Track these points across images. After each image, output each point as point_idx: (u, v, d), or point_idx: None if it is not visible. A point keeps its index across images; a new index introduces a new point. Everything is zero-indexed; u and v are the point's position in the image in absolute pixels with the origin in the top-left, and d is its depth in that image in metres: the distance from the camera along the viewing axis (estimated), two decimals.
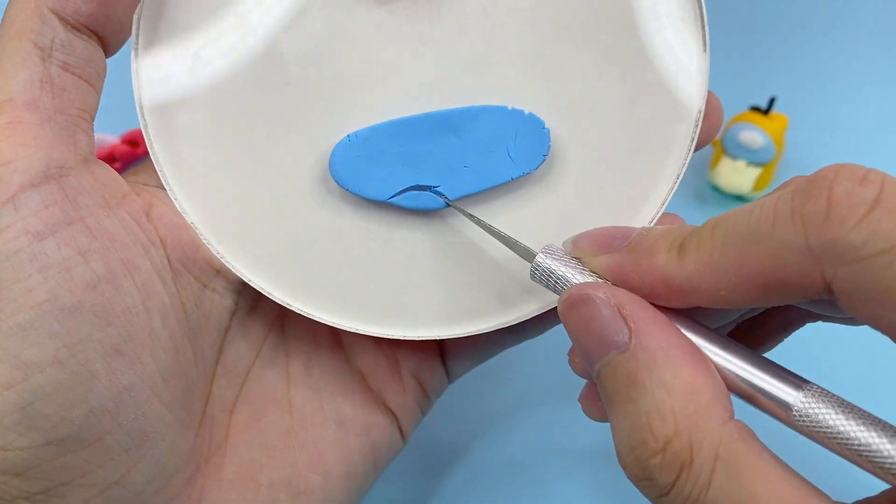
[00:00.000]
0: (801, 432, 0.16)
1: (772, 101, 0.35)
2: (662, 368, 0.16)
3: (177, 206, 0.21)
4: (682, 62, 0.22)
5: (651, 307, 0.17)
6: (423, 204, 0.22)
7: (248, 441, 0.23)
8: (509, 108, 0.22)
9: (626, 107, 0.22)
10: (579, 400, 0.20)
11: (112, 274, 0.19)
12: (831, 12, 0.41)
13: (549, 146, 0.22)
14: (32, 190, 0.18)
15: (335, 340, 0.25)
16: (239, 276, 0.22)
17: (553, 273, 0.19)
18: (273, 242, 0.22)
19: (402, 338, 0.22)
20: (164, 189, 0.22)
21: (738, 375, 0.17)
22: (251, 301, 0.24)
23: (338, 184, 0.22)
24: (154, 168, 0.22)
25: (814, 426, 0.16)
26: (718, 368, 0.17)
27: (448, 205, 0.22)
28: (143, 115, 0.21)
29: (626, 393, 0.16)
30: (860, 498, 0.16)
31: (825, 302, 0.16)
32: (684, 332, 0.17)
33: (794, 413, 0.16)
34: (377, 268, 0.22)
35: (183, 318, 0.21)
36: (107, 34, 0.20)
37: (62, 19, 0.19)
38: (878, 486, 0.16)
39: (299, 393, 0.24)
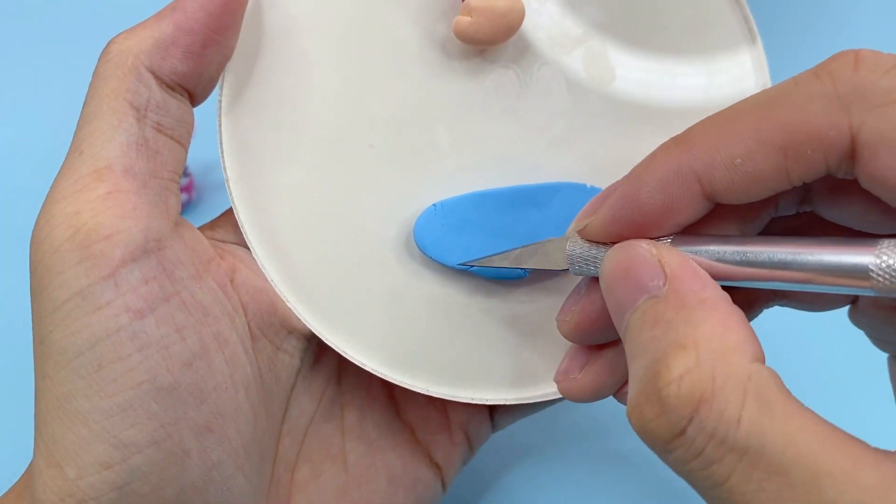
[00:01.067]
0: (887, 291, 0.14)
1: None
2: (691, 309, 0.15)
3: (260, 267, 0.21)
4: None
5: (689, 258, 0.16)
6: (501, 273, 0.22)
7: (308, 500, 0.23)
8: (588, 186, 0.22)
9: None
10: (560, 326, 0.20)
11: (205, 350, 0.18)
12: (832, 11, 0.42)
13: None
14: (133, 265, 0.17)
15: (387, 393, 0.25)
16: (321, 337, 0.22)
17: (583, 255, 0.19)
18: (353, 303, 0.22)
19: (470, 401, 0.23)
20: (244, 246, 0.21)
21: (800, 260, 0.15)
22: (313, 357, 0.23)
23: (421, 250, 0.22)
24: (231, 223, 0.21)
25: None
26: (776, 262, 0.15)
27: (527, 275, 0.22)
28: (226, 173, 0.21)
29: (650, 333, 0.15)
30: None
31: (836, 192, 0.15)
32: (725, 246, 0.16)
33: (875, 273, 0.14)
34: (452, 332, 0.23)
35: (260, 386, 0.21)
36: (197, 90, 0.20)
37: (158, 78, 0.19)
38: None
39: (354, 448, 0.24)
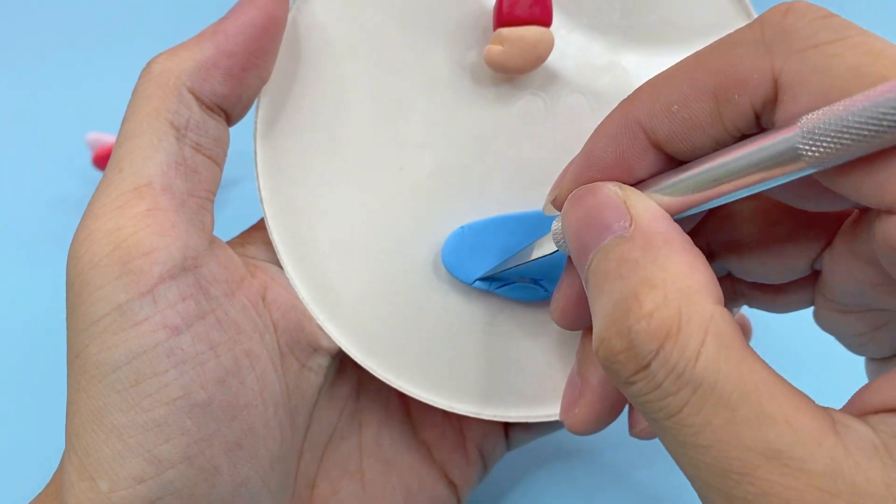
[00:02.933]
0: (824, 163, 0.14)
1: None
2: (658, 250, 0.15)
3: (292, 285, 0.22)
4: None
5: (654, 203, 0.16)
6: (525, 295, 0.23)
7: None
8: None
9: None
10: (551, 311, 0.20)
11: (238, 367, 0.19)
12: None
13: None
14: (171, 282, 0.18)
15: (404, 411, 0.25)
16: (351, 356, 0.22)
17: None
18: (381, 322, 0.22)
19: (492, 418, 0.23)
20: (274, 263, 0.22)
21: (733, 166, 0.15)
22: (335, 374, 0.24)
23: (448, 271, 0.22)
24: (262, 239, 0.22)
25: (830, 146, 0.13)
26: (717, 175, 0.15)
27: (549, 296, 0.23)
28: (261, 193, 0.21)
29: (616, 271, 0.15)
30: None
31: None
32: (659, 182, 0.16)
33: (802, 147, 0.14)
34: (477, 351, 0.23)
35: (287, 403, 0.21)
36: (234, 112, 0.20)
37: (198, 99, 0.19)
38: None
39: (371, 465, 0.24)
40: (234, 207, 0.36)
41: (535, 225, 0.23)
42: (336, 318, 0.22)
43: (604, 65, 0.23)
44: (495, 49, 0.21)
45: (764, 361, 0.14)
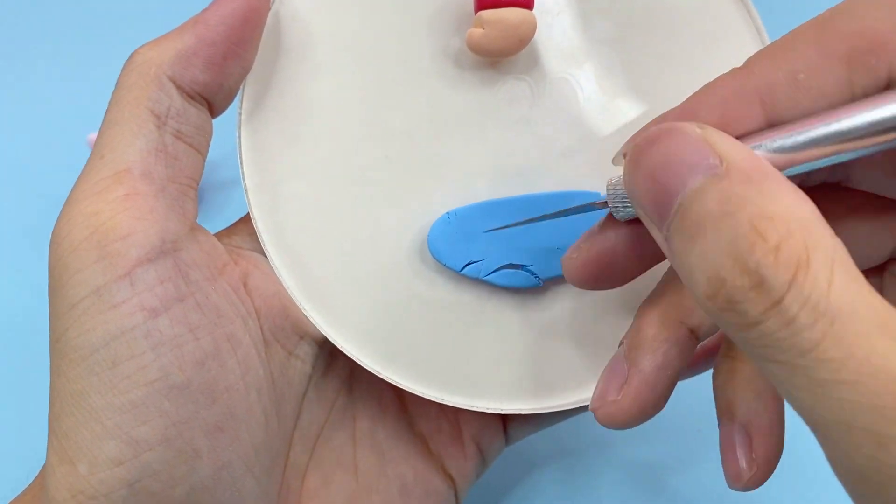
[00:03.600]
0: None
1: None
2: (761, 183, 0.13)
3: (276, 273, 0.22)
4: None
5: (739, 142, 0.15)
6: (516, 282, 0.22)
7: None
8: (602, 194, 0.22)
9: None
10: (565, 265, 0.19)
11: (218, 350, 0.19)
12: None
13: None
14: (148, 265, 0.18)
15: (399, 403, 0.25)
16: (338, 346, 0.22)
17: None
18: (368, 311, 0.22)
19: (484, 410, 0.23)
20: (259, 253, 0.22)
21: (847, 127, 0.14)
22: (325, 364, 0.24)
23: (435, 259, 0.22)
24: (247, 230, 0.22)
25: None
26: (829, 135, 0.14)
27: (541, 284, 0.22)
28: (245, 182, 0.22)
29: (721, 210, 0.13)
30: None
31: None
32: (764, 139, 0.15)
33: None
34: (467, 341, 0.23)
35: (272, 390, 0.21)
36: (216, 101, 0.20)
37: (179, 87, 0.19)
38: None
39: (365, 456, 0.24)
40: (234, 208, 0.36)
41: (522, 210, 0.22)
42: (323, 308, 0.22)
43: (588, 47, 0.23)
44: (477, 32, 0.21)
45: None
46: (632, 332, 0.19)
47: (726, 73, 0.16)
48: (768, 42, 0.23)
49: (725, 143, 0.14)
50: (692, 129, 0.15)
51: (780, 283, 0.13)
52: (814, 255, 0.13)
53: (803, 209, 0.13)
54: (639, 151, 0.15)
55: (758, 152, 0.15)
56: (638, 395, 0.18)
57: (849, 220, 0.18)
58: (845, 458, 0.12)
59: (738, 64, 0.23)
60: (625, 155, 0.16)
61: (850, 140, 0.14)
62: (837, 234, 0.16)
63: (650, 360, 0.18)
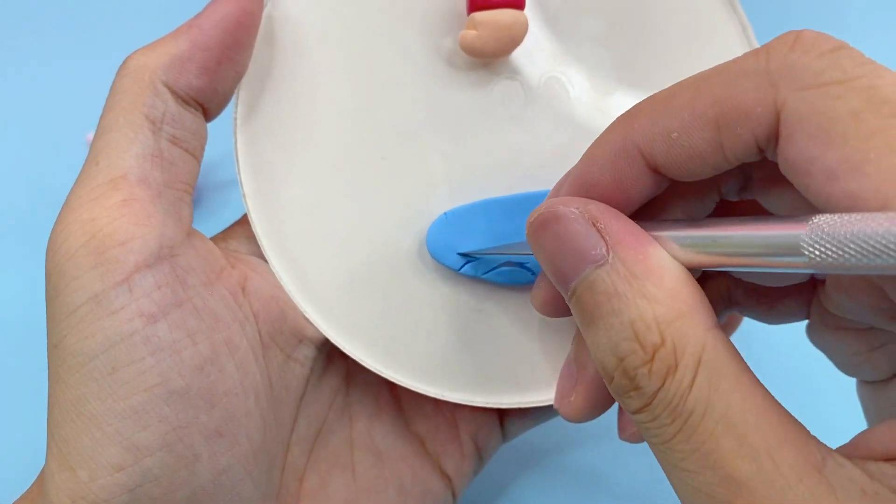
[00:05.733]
0: (822, 268, 0.14)
1: None
2: (642, 279, 0.15)
3: (277, 276, 0.22)
4: None
5: (624, 217, 0.16)
6: (513, 279, 0.22)
7: None
8: None
9: None
10: (532, 301, 0.20)
11: (216, 355, 0.19)
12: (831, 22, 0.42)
13: None
14: (146, 271, 0.18)
15: (396, 404, 0.25)
16: (339, 347, 0.22)
17: None
18: (368, 311, 0.22)
19: (484, 405, 0.23)
20: (256, 256, 0.22)
21: (735, 244, 0.15)
22: (322, 367, 0.24)
23: (434, 258, 0.22)
24: (244, 233, 0.22)
25: (833, 257, 0.13)
26: (711, 244, 0.15)
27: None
28: (242, 188, 0.22)
29: (608, 306, 0.15)
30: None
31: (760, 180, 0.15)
32: (662, 231, 0.16)
33: (808, 250, 0.13)
34: (465, 338, 0.23)
35: (270, 393, 0.21)
36: (211, 105, 0.20)
37: (174, 92, 0.19)
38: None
39: (362, 458, 0.24)
40: (231, 209, 0.36)
41: (517, 208, 0.22)
42: (323, 309, 0.22)
43: (579, 46, 0.23)
44: (470, 34, 0.21)
45: (759, 385, 0.14)
46: (575, 337, 0.20)
47: (612, 126, 0.17)
48: (754, 39, 0.23)
49: (611, 226, 0.16)
50: (578, 215, 0.16)
51: (651, 391, 0.14)
52: (681, 360, 0.14)
53: (681, 304, 0.15)
54: (534, 231, 0.17)
55: (664, 239, 0.16)
56: (587, 396, 0.19)
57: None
58: None
59: (725, 59, 0.23)
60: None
61: (753, 256, 0.15)
62: None
63: (592, 364, 0.19)
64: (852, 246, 0.13)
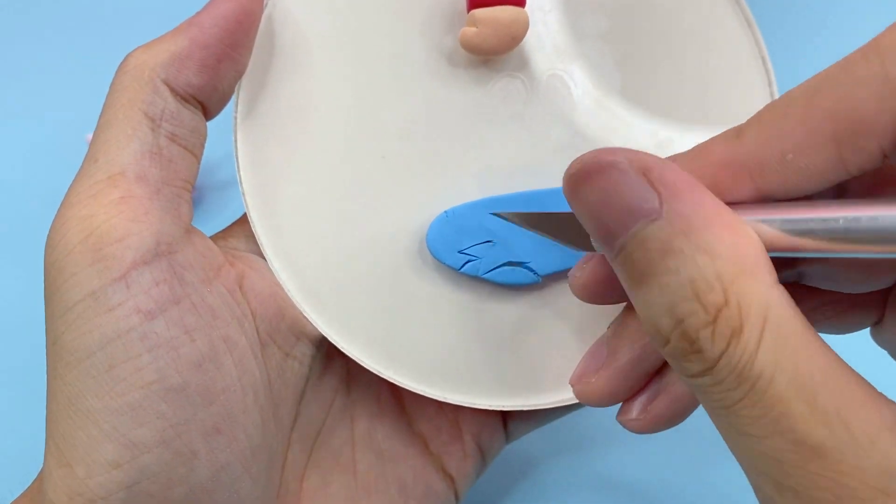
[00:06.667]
0: None
1: None
2: (700, 233, 0.14)
3: (276, 275, 0.22)
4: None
5: (678, 169, 0.15)
6: (515, 279, 0.22)
7: None
8: None
9: None
10: (571, 284, 0.19)
11: (214, 352, 0.19)
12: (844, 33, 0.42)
13: None
14: (144, 267, 0.18)
15: (398, 404, 0.25)
16: (339, 347, 0.22)
17: None
18: (368, 311, 0.22)
19: (487, 407, 0.23)
20: (255, 255, 0.22)
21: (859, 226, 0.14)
22: (322, 366, 0.24)
23: (434, 257, 0.22)
24: (243, 232, 0.22)
25: None
26: (802, 228, 0.14)
27: (540, 280, 0.22)
28: (242, 186, 0.22)
29: (663, 263, 0.14)
30: None
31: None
32: (755, 214, 0.15)
33: None
34: (467, 339, 0.23)
35: (269, 391, 0.21)
36: (211, 103, 0.20)
37: (173, 90, 0.19)
38: None
39: (363, 457, 0.24)
40: (233, 209, 0.36)
41: (519, 206, 0.22)
42: (322, 308, 0.22)
43: (581, 43, 0.23)
44: (470, 31, 0.21)
45: (825, 345, 0.14)
46: (617, 320, 0.19)
47: (718, 138, 0.16)
48: (759, 35, 0.23)
49: (665, 177, 0.14)
50: (627, 165, 0.15)
51: (715, 354, 0.14)
52: (747, 321, 0.13)
53: (743, 260, 0.14)
54: (574, 184, 0.15)
55: (768, 227, 0.15)
56: (610, 382, 0.19)
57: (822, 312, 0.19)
58: (755, 490, 0.14)
59: (729, 59, 0.23)
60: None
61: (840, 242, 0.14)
62: (831, 265, 0.17)
63: (627, 352, 0.18)
64: None
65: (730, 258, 0.14)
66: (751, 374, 0.13)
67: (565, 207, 0.22)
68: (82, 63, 0.41)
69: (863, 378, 0.13)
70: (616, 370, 0.19)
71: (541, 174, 0.23)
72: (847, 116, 0.14)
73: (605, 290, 0.18)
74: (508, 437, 0.26)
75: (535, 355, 0.23)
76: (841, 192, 0.17)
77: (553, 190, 0.22)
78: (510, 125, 0.22)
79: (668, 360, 0.15)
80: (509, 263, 0.22)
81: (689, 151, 0.16)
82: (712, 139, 0.16)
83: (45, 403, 0.18)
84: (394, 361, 0.22)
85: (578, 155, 0.22)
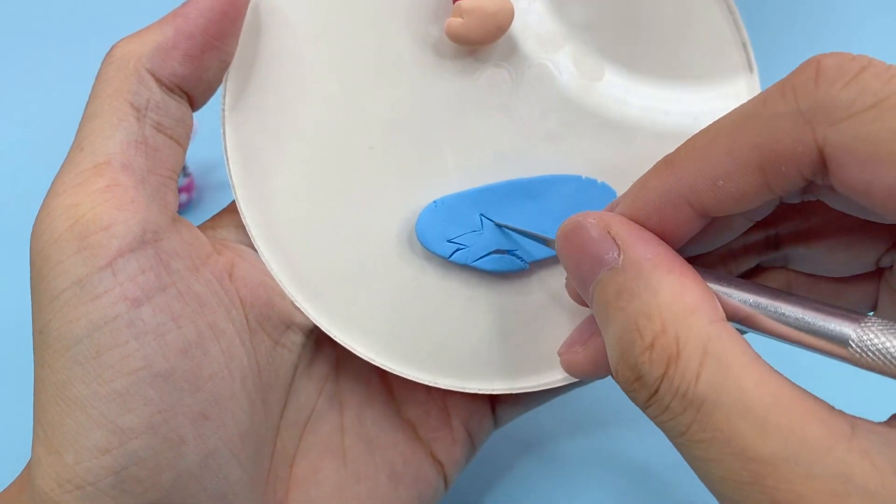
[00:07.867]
0: (861, 365, 0.15)
1: None
2: (649, 275, 0.16)
3: (266, 266, 0.22)
4: None
5: (636, 225, 0.17)
6: (503, 266, 0.23)
7: (307, 495, 0.23)
8: (583, 177, 0.23)
9: None
10: (567, 289, 0.21)
11: (201, 339, 0.19)
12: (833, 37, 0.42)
13: None
14: (130, 255, 0.18)
15: (386, 390, 0.25)
16: (330, 335, 0.22)
17: None
18: (358, 300, 0.22)
19: (477, 391, 0.23)
20: (244, 245, 0.22)
21: (787, 317, 0.16)
22: (311, 353, 0.24)
23: (424, 247, 0.22)
24: (233, 222, 0.22)
25: (878, 356, 0.14)
26: (768, 314, 0.16)
27: (527, 267, 0.23)
28: (231, 179, 0.22)
29: (616, 303, 0.16)
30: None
31: (820, 188, 0.16)
32: (717, 286, 0.17)
33: (853, 347, 0.15)
34: (457, 325, 0.23)
35: (258, 378, 0.21)
36: (197, 94, 0.20)
37: (158, 80, 0.19)
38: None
39: (353, 444, 0.24)
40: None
41: (507, 195, 0.23)
42: (313, 297, 0.22)
43: (565, 34, 0.23)
44: (456, 21, 0.21)
45: (774, 371, 0.14)
46: None
47: (652, 172, 0.17)
48: (741, 23, 0.23)
49: (623, 231, 0.17)
50: (594, 224, 0.17)
51: (654, 378, 0.15)
52: (684, 349, 0.15)
53: (684, 300, 0.15)
54: (559, 242, 0.18)
55: (736, 301, 0.17)
56: (592, 356, 0.20)
57: (826, 235, 0.19)
58: None
59: (711, 46, 0.23)
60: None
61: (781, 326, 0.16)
62: (812, 248, 0.19)
63: None
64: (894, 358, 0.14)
65: (671, 296, 0.15)
66: (695, 398, 0.14)
67: (553, 195, 0.23)
68: (67, 54, 0.41)
69: (818, 398, 0.14)
70: (599, 347, 0.19)
71: (528, 162, 0.23)
72: (769, 147, 0.15)
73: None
74: (497, 422, 0.27)
75: (522, 340, 0.23)
76: (777, 219, 0.19)
77: (541, 178, 0.23)
78: (497, 114, 0.23)
79: (628, 396, 0.16)
80: (497, 251, 0.22)
81: (630, 189, 0.18)
82: (647, 174, 0.18)
83: (31, 392, 0.18)
84: (384, 348, 0.23)
85: (565, 142, 0.23)
